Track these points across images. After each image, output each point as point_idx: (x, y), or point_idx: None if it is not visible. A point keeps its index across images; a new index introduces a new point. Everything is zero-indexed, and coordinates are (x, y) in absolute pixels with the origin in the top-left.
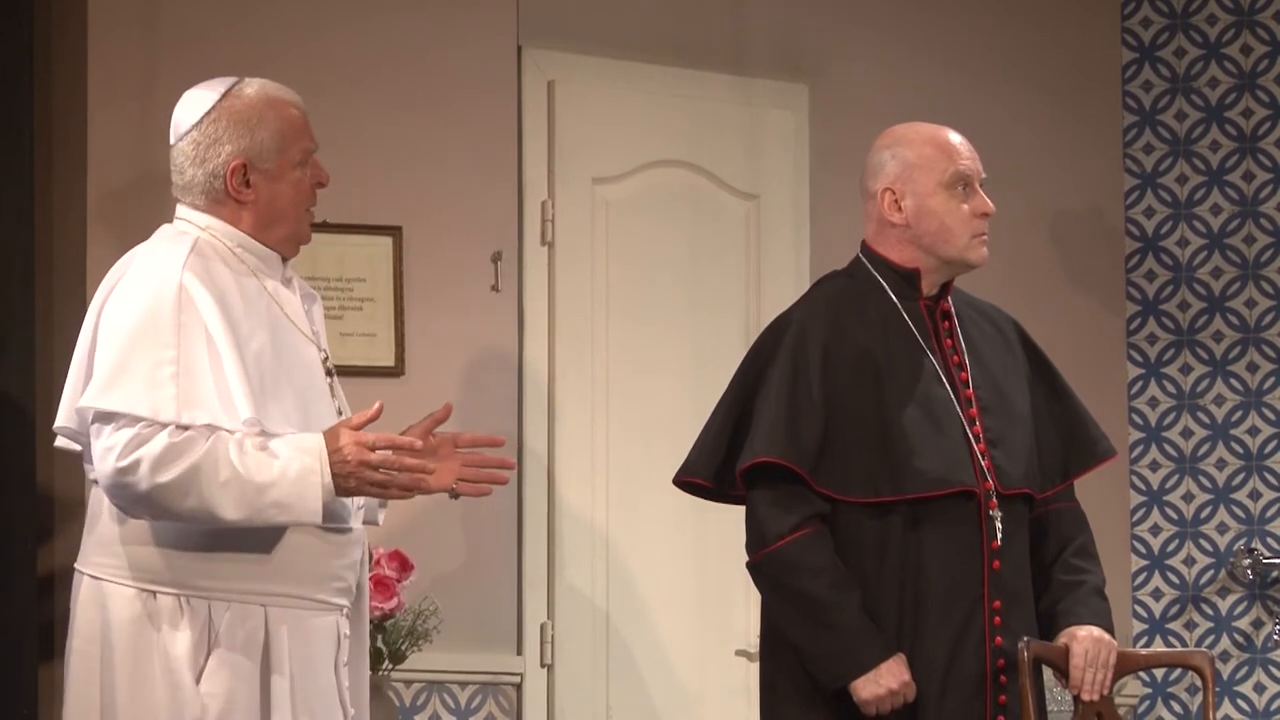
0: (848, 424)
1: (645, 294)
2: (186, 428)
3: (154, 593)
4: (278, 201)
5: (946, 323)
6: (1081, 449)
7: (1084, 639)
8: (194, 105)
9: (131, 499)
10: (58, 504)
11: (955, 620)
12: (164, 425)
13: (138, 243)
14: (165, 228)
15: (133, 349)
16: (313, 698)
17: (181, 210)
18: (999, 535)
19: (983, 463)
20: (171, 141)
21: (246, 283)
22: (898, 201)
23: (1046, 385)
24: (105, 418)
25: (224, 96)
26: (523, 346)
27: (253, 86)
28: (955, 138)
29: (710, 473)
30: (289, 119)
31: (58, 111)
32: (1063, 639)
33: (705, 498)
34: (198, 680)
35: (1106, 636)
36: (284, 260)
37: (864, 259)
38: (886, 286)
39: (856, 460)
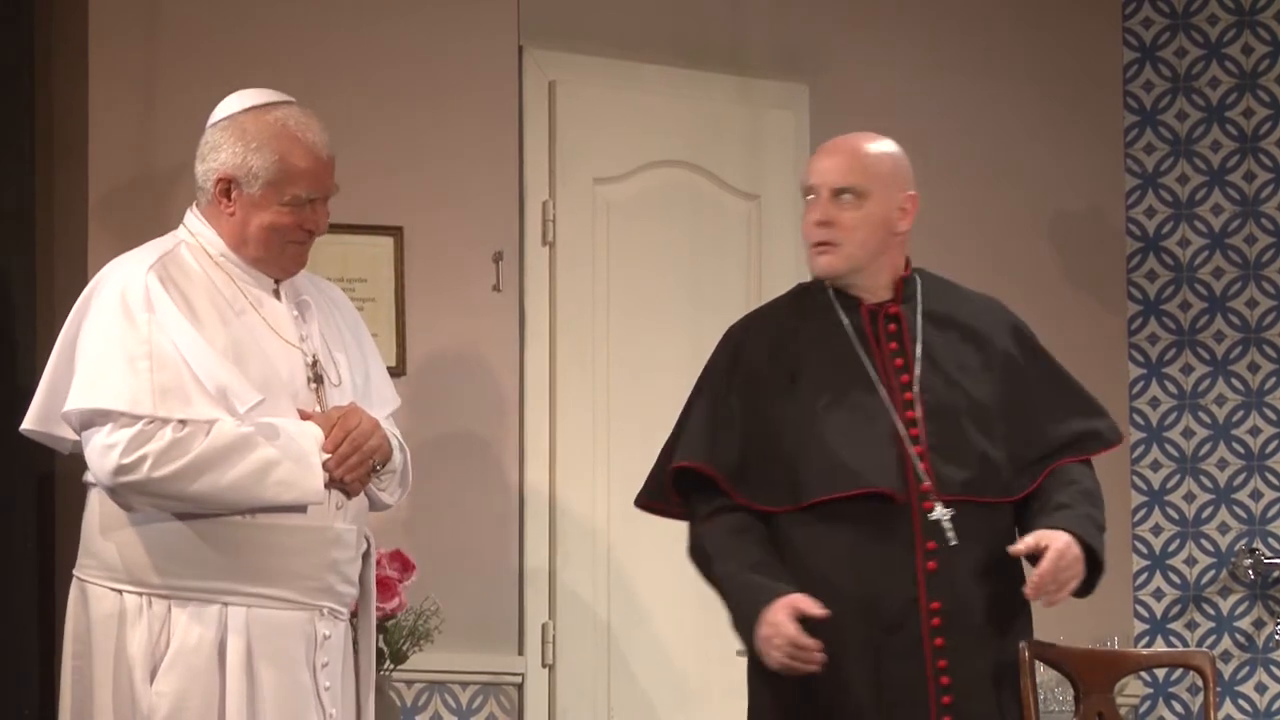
0: (770, 437)
1: (646, 294)
2: (185, 423)
3: (121, 592)
4: (249, 226)
5: (893, 325)
6: (1083, 437)
7: (1060, 547)
8: (223, 107)
9: (134, 491)
10: (59, 504)
11: (880, 621)
12: (165, 422)
13: (138, 243)
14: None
15: (108, 349)
16: (281, 696)
17: (187, 215)
18: (947, 536)
19: (918, 466)
20: None
21: (224, 287)
22: None
23: (1038, 373)
24: (99, 416)
25: (247, 110)
26: (524, 346)
27: (279, 113)
28: (818, 155)
29: (657, 489)
30: (297, 159)
31: (58, 112)
32: (1032, 538)
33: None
34: (153, 678)
35: (1075, 550)
36: (274, 280)
37: None
38: (832, 295)
39: (777, 471)
